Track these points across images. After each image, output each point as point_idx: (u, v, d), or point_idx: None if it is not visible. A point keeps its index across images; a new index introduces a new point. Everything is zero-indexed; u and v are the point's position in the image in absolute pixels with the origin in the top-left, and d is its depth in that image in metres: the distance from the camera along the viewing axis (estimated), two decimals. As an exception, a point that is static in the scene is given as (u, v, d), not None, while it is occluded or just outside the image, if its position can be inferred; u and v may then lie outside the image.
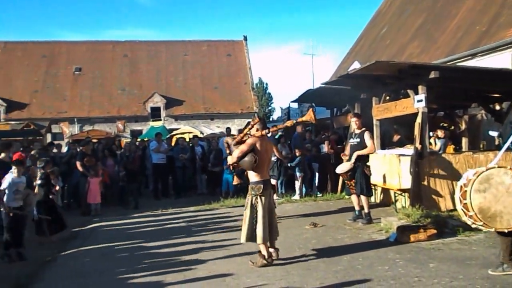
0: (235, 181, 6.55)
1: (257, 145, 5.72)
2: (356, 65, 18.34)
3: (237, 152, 5.71)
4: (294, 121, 6.60)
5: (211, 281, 5.37)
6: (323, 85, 11.93)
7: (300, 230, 7.82)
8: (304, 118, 6.27)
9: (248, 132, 5.92)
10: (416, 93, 8.75)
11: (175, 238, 7.79)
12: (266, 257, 5.75)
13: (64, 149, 14.44)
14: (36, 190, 8.02)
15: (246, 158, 5.65)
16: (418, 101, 8.67)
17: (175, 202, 12.03)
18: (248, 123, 6.26)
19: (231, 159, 5.93)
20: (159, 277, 5.64)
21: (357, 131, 8.20)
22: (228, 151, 6.21)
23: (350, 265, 5.64)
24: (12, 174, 7.04)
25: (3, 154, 8.96)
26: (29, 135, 20.82)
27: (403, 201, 8.96)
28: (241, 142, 5.87)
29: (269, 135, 6.03)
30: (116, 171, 12.60)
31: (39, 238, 7.95)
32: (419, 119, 8.77)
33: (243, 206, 8.32)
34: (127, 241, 7.80)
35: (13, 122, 25.84)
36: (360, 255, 6.04)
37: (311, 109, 6.65)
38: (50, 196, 8.20)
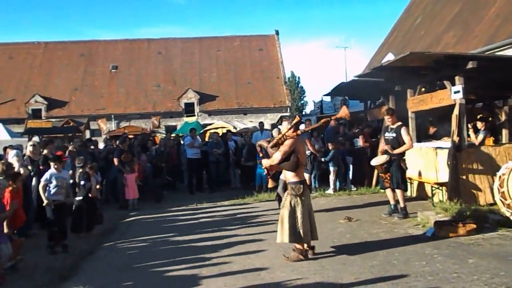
0: (270, 184, 6.50)
1: (297, 145, 5.75)
2: (389, 57, 17.96)
3: (279, 154, 5.68)
4: (329, 119, 6.55)
5: (245, 275, 5.42)
6: (356, 78, 11.78)
7: (334, 224, 7.77)
8: (338, 115, 6.23)
9: (284, 134, 5.89)
10: (453, 84, 8.52)
11: (209, 232, 7.89)
12: (302, 251, 5.76)
13: (101, 145, 14.81)
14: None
15: (291, 159, 5.66)
16: (455, 92, 8.44)
17: (209, 196, 12.17)
18: (281, 117, 6.26)
19: (269, 162, 5.86)
20: (195, 271, 5.74)
21: (393, 126, 8.05)
22: (261, 155, 6.18)
23: (386, 260, 5.56)
24: (51, 169, 7.44)
25: (46, 150, 9.40)
26: (69, 132, 21.57)
27: (440, 195, 8.76)
28: (277, 144, 5.85)
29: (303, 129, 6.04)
30: (148, 166, 12.89)
31: (75, 234, 8.19)
32: (456, 111, 8.53)
33: (276, 200, 8.32)
34: (162, 235, 7.96)
35: (54, 120, 26.80)
36: (396, 250, 5.95)
37: (344, 106, 6.58)
38: (90, 195, 8.42)
